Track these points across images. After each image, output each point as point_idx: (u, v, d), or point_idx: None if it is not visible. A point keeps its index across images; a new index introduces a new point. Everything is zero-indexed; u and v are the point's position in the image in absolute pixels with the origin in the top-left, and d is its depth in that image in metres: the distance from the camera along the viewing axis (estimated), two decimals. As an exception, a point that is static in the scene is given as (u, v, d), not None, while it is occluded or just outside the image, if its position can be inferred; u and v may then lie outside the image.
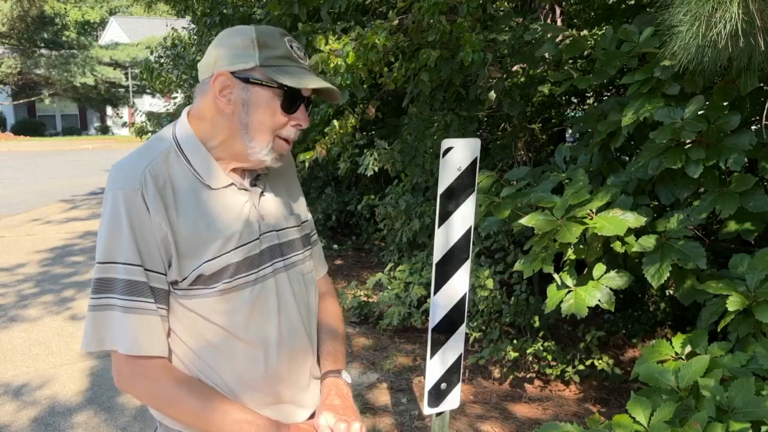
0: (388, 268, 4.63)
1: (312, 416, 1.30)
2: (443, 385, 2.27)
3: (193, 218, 1.14)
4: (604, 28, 3.84)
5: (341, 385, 1.30)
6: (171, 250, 1.12)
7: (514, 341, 3.57)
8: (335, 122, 3.90)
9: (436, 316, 2.22)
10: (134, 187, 1.10)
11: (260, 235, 1.21)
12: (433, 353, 2.24)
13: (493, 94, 3.61)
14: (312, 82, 1.15)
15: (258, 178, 1.26)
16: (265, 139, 1.17)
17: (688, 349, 1.94)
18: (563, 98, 4.68)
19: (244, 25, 1.17)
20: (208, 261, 1.14)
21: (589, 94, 4.79)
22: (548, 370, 3.45)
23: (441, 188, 2.14)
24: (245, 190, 1.22)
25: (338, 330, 1.42)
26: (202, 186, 1.16)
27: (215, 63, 1.14)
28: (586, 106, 4.92)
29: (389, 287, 4.36)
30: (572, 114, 5.05)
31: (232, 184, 1.19)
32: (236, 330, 1.18)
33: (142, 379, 1.14)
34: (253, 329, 1.19)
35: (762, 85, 2.44)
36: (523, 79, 3.91)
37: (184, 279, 1.13)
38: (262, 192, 1.25)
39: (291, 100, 1.16)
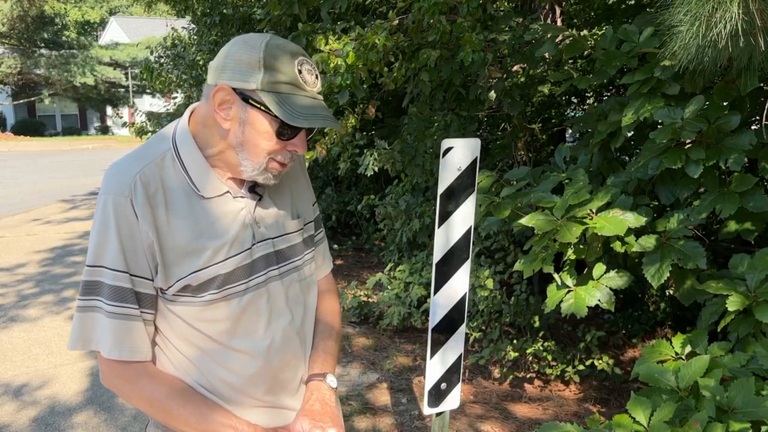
0: (388, 268, 4.63)
1: None
2: (443, 385, 2.27)
3: (183, 227, 1.12)
4: (604, 28, 3.85)
5: (324, 390, 1.27)
6: (157, 258, 1.11)
7: (514, 341, 3.57)
8: (335, 122, 3.89)
9: (436, 316, 2.22)
10: (124, 193, 1.09)
11: (252, 245, 1.19)
12: (433, 353, 2.24)
13: (493, 94, 3.61)
14: (309, 120, 1.10)
15: (258, 184, 1.22)
16: (258, 160, 1.14)
17: (688, 349, 1.94)
18: (563, 98, 4.68)
19: (258, 37, 1.11)
20: (196, 272, 1.13)
21: (589, 94, 4.79)
22: (548, 370, 3.45)
23: (441, 188, 2.14)
24: (241, 197, 1.19)
25: (333, 329, 1.40)
26: (195, 194, 1.15)
27: (220, 72, 1.11)
28: (586, 106, 4.92)
29: (389, 287, 4.36)
30: (572, 114, 5.05)
31: (227, 192, 1.17)
32: (222, 338, 1.17)
33: (122, 381, 1.15)
34: (241, 338, 1.18)
35: (762, 85, 2.45)
36: (523, 79, 3.91)
37: (169, 287, 1.13)
38: (260, 199, 1.22)
39: (289, 128, 1.12)
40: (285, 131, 1.12)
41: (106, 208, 1.10)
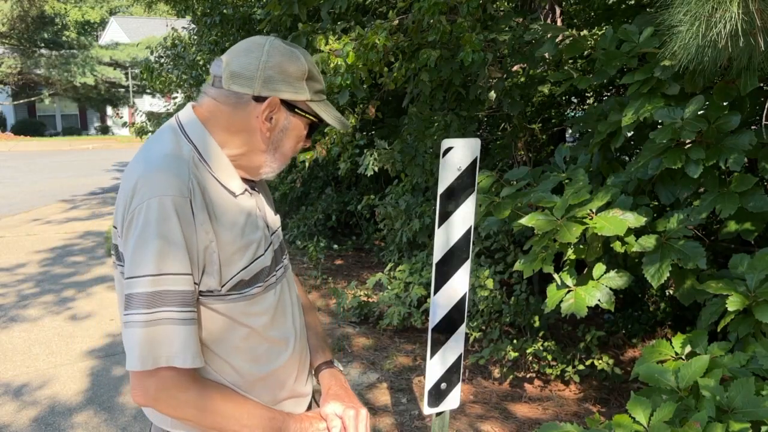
0: (388, 268, 4.63)
1: (308, 407, 1.35)
2: (443, 385, 2.27)
3: (228, 225, 1.13)
4: (604, 28, 3.85)
5: (338, 375, 1.36)
6: (214, 258, 1.10)
7: (514, 341, 3.57)
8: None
9: (436, 316, 2.22)
10: (184, 194, 1.06)
11: (271, 238, 1.25)
12: (433, 353, 2.24)
13: (493, 94, 3.61)
14: (343, 123, 1.24)
15: (255, 183, 1.28)
16: (286, 161, 1.23)
17: (688, 349, 1.94)
18: (563, 98, 4.68)
19: (293, 49, 1.17)
20: (247, 267, 1.15)
21: (589, 94, 4.80)
22: (548, 370, 3.45)
23: (441, 188, 2.14)
24: (250, 194, 1.23)
25: (316, 322, 1.48)
26: (227, 193, 1.16)
27: (264, 84, 1.13)
28: (586, 106, 4.92)
29: (389, 287, 4.35)
30: (572, 114, 5.05)
31: (246, 190, 1.21)
32: (263, 330, 1.21)
33: (177, 391, 1.07)
34: (276, 329, 1.23)
35: (762, 85, 2.45)
36: (523, 79, 3.91)
37: (223, 285, 1.12)
38: (260, 196, 1.28)
39: (315, 128, 1.24)
40: (310, 132, 1.23)
41: (166, 210, 1.04)
